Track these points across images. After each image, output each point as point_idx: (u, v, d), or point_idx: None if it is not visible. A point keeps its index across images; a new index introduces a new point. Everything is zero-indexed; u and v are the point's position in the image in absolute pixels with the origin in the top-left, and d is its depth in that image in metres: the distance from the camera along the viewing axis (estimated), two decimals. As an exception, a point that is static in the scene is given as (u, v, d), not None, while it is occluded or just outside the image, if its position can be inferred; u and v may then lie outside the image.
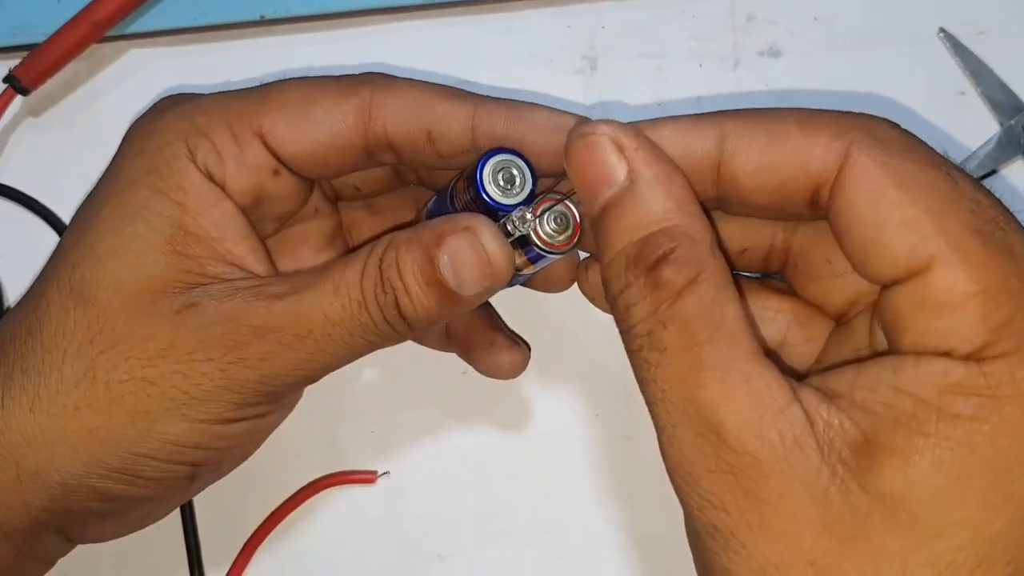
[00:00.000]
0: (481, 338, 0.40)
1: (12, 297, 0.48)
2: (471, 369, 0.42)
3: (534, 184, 0.34)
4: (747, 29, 0.49)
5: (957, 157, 0.47)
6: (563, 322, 0.42)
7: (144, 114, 0.37)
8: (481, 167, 0.34)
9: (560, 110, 0.35)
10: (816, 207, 0.29)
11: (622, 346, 0.45)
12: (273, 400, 0.35)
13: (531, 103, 0.35)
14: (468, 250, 0.32)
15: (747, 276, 0.37)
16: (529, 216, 0.33)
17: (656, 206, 0.28)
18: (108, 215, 0.34)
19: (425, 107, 0.35)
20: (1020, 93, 0.48)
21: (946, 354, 0.25)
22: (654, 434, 0.44)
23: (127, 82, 0.50)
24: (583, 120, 0.34)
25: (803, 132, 0.28)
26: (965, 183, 0.27)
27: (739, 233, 0.34)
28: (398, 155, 0.36)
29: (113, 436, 0.33)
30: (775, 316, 0.35)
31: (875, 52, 0.49)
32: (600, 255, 0.30)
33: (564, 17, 0.50)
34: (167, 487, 0.35)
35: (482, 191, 0.34)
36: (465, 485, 0.46)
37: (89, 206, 0.36)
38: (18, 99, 0.47)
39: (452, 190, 0.36)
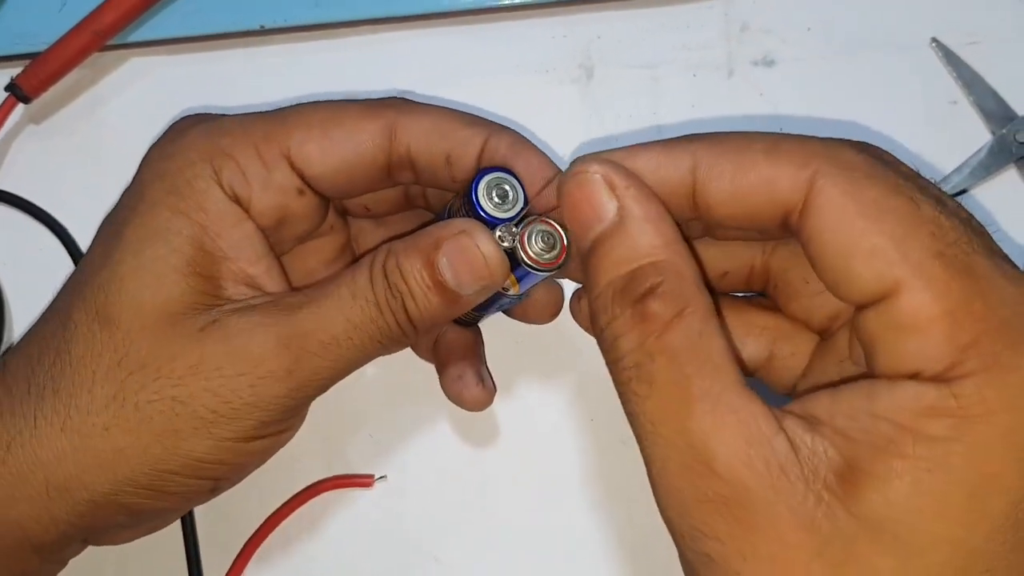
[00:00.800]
0: (454, 367, 0.41)
1: (14, 303, 0.48)
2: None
3: (525, 200, 0.36)
4: (741, 38, 0.50)
5: (949, 166, 0.48)
6: (559, 327, 0.43)
7: (165, 134, 0.37)
8: (477, 182, 0.35)
9: (547, 159, 0.37)
10: (787, 230, 0.30)
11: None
12: (293, 415, 0.36)
13: (530, 144, 0.37)
14: (464, 251, 0.34)
15: (734, 296, 0.38)
16: (516, 230, 0.35)
17: (644, 241, 0.29)
18: (130, 236, 0.35)
19: (446, 131, 0.36)
20: (1012, 102, 0.48)
21: (915, 375, 0.26)
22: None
23: (128, 90, 0.50)
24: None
25: (768, 161, 0.29)
26: (928, 206, 0.27)
27: (720, 257, 0.35)
28: (416, 175, 0.37)
29: (141, 455, 0.34)
30: (761, 332, 0.36)
31: (868, 61, 0.49)
32: (588, 288, 0.30)
33: (560, 27, 0.50)
34: (189, 499, 0.36)
35: (476, 204, 0.35)
36: (462, 489, 0.46)
37: (111, 227, 0.36)
38: (20, 107, 0.48)
39: (449, 210, 0.38)
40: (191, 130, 0.37)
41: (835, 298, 0.30)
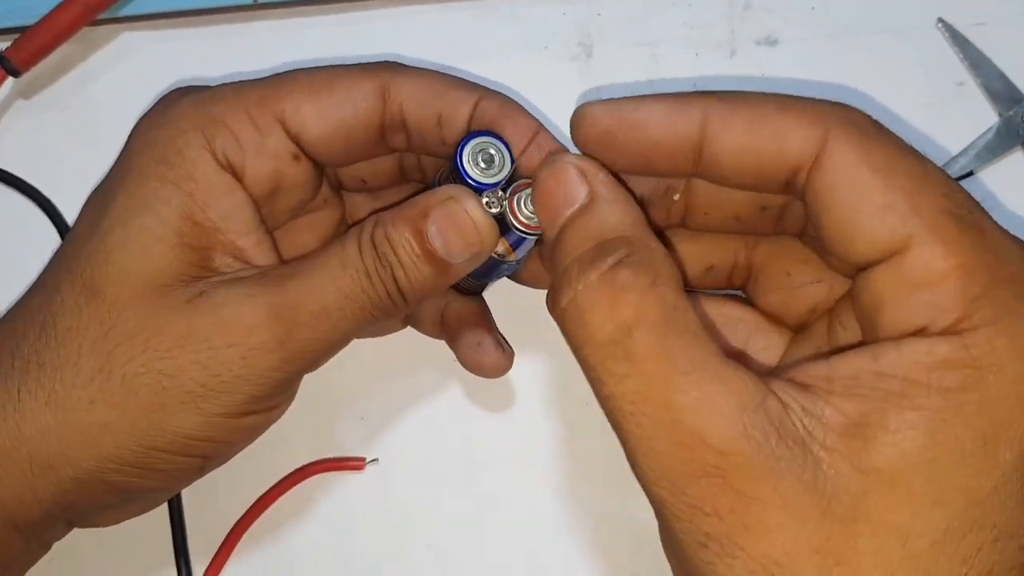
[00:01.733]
0: (471, 334, 0.41)
1: (1, 279, 0.47)
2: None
3: (513, 164, 0.35)
4: (744, 17, 0.49)
5: (956, 148, 0.47)
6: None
7: (155, 105, 0.37)
8: (462, 147, 0.35)
9: (535, 121, 0.36)
10: (791, 188, 0.30)
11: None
12: (284, 390, 0.35)
13: (520, 106, 0.37)
14: (453, 218, 0.33)
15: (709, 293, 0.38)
16: (504, 195, 0.34)
17: (613, 219, 0.30)
18: (117, 207, 0.34)
19: (437, 92, 0.36)
20: (1019, 84, 0.47)
21: (922, 330, 0.26)
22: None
23: (119, 65, 0.50)
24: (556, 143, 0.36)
25: (783, 117, 0.29)
26: (935, 170, 0.28)
27: (705, 251, 0.36)
28: (409, 139, 0.37)
29: (127, 430, 0.33)
30: (736, 324, 0.36)
31: (873, 42, 0.49)
32: (553, 270, 0.30)
33: (559, 4, 0.49)
34: (177, 478, 0.36)
35: (462, 169, 0.35)
36: (454, 473, 0.45)
37: (99, 198, 0.36)
38: (9, 80, 0.47)
39: (439, 179, 0.37)
40: (182, 100, 0.36)
41: (814, 291, 0.32)
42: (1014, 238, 0.28)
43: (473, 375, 0.41)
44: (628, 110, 0.31)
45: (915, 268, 0.26)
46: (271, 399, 0.35)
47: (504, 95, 0.37)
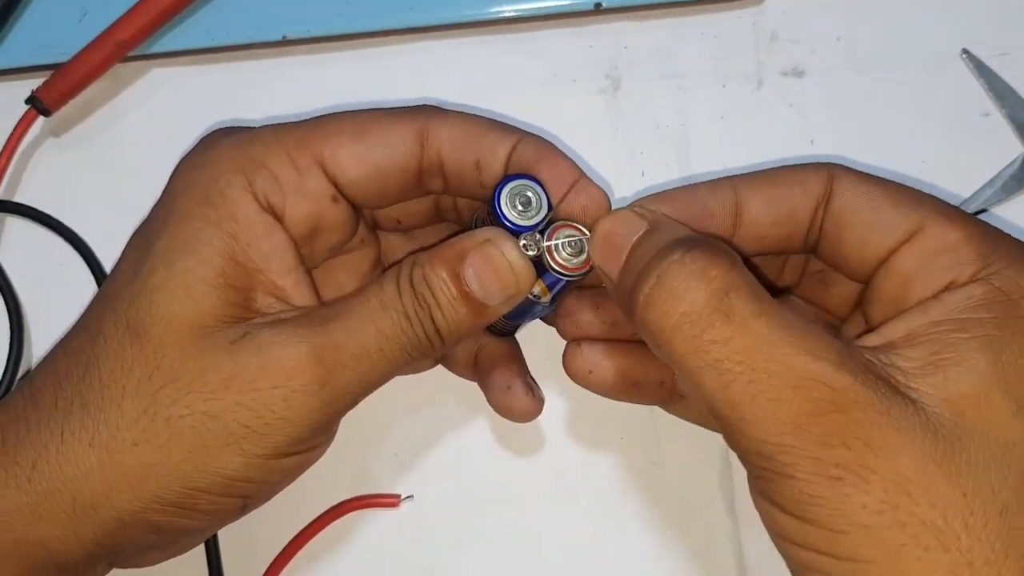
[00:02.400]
0: (501, 378, 0.41)
1: (33, 318, 0.48)
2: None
3: (549, 207, 0.36)
4: (770, 48, 0.49)
5: (981, 179, 0.48)
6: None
7: (195, 146, 0.37)
8: (500, 189, 0.35)
9: (574, 165, 0.37)
10: (810, 233, 0.35)
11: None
12: (324, 431, 0.36)
13: (557, 149, 0.37)
14: (490, 261, 0.34)
15: None
16: (540, 238, 0.35)
17: (681, 229, 0.33)
18: (160, 248, 0.34)
19: (475, 136, 0.36)
20: (1045, 114, 0.47)
21: (951, 284, 0.31)
22: (680, 459, 0.45)
23: (149, 101, 0.50)
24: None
25: (794, 171, 0.35)
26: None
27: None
28: (446, 182, 0.37)
29: (170, 472, 0.33)
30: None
31: (898, 72, 0.49)
32: (628, 278, 0.32)
33: (586, 38, 0.50)
34: (219, 518, 0.36)
35: (499, 212, 0.35)
36: (489, 510, 0.46)
37: (141, 239, 0.36)
38: (40, 119, 0.47)
39: (476, 221, 0.38)
40: (223, 141, 0.36)
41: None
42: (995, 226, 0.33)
43: None
44: (679, 192, 0.35)
45: (933, 240, 0.32)
46: (311, 440, 0.35)
47: (541, 138, 0.37)
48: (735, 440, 0.30)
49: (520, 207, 0.35)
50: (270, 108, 0.48)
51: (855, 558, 0.27)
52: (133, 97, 0.50)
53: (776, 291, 0.39)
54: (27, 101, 0.47)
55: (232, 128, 0.38)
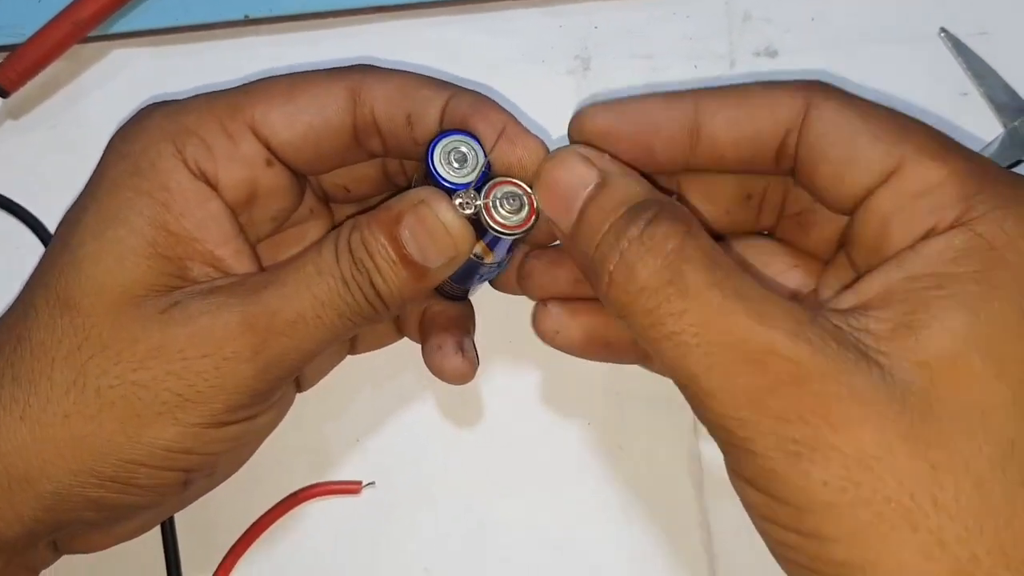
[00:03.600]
0: (434, 337, 0.40)
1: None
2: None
3: (486, 163, 0.34)
4: (743, 29, 0.48)
5: (959, 159, 0.46)
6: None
7: (128, 120, 0.37)
8: (433, 146, 0.34)
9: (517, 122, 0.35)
10: (782, 159, 0.32)
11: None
12: (263, 400, 0.35)
13: (493, 102, 0.36)
14: (425, 223, 0.33)
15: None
16: (477, 195, 0.34)
17: (633, 188, 0.31)
18: (90, 220, 0.34)
19: (408, 91, 0.35)
20: (1024, 94, 0.47)
21: (932, 230, 0.28)
22: (647, 443, 0.44)
23: (110, 83, 0.49)
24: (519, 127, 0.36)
25: (769, 91, 0.32)
26: (914, 118, 0.31)
27: (737, 183, 0.36)
28: (384, 143, 0.36)
29: (103, 443, 0.33)
30: (768, 262, 0.37)
31: (874, 52, 0.48)
32: (583, 242, 0.31)
33: (556, 17, 0.49)
34: (160, 494, 0.35)
35: (432, 169, 0.34)
36: (452, 496, 0.45)
37: (73, 212, 0.36)
38: (-2, 101, 0.47)
39: (412, 183, 0.37)
40: (154, 112, 0.36)
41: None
42: (984, 157, 0.31)
43: (475, 394, 0.42)
44: (628, 104, 0.33)
45: (913, 180, 0.29)
46: (249, 408, 0.35)
47: (476, 92, 0.36)
48: (698, 412, 0.29)
49: (455, 164, 0.34)
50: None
51: (820, 536, 0.27)
52: (93, 78, 0.49)
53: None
54: (-17, 82, 0.46)
55: (165, 101, 0.37)
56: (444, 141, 0.34)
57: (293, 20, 0.48)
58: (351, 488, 0.44)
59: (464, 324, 0.41)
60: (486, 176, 0.34)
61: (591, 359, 0.38)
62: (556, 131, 0.47)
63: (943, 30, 0.48)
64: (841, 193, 0.31)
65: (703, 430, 0.43)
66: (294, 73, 0.36)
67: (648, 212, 0.30)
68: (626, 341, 0.38)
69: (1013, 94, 0.46)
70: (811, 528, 0.27)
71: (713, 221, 0.36)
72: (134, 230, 0.33)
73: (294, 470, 0.45)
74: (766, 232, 0.38)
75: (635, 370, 0.44)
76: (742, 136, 0.32)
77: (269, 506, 0.44)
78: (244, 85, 0.36)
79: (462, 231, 0.33)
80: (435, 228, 0.33)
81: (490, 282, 0.40)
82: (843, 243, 0.33)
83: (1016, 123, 0.46)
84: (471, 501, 0.45)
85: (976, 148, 0.46)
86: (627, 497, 0.44)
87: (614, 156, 0.33)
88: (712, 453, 0.44)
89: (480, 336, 0.42)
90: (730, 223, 0.37)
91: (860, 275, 0.31)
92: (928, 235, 0.29)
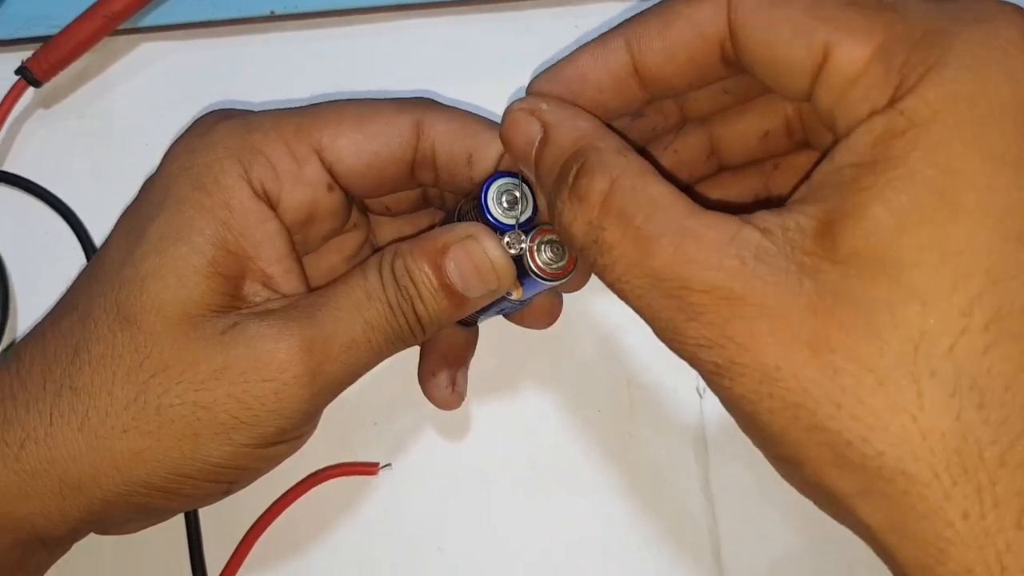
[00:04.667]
0: (432, 362, 0.42)
1: (19, 286, 0.48)
2: (476, 364, 0.43)
3: (535, 207, 0.36)
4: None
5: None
6: (566, 318, 0.42)
7: (189, 129, 0.37)
8: (488, 184, 0.35)
9: None
10: (730, 65, 0.31)
11: (623, 342, 0.45)
12: (311, 420, 0.36)
13: None
14: (472, 256, 0.34)
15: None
16: (524, 238, 0.35)
17: (566, 139, 0.31)
18: (152, 234, 0.34)
19: (470, 131, 0.37)
20: None
21: (868, 117, 0.26)
22: (656, 431, 0.45)
23: (138, 75, 0.50)
24: None
25: (688, 6, 0.31)
26: None
27: (755, 119, 0.35)
28: (437, 175, 0.37)
29: (159, 458, 0.33)
30: None
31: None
32: (547, 200, 0.32)
33: (571, 17, 0.50)
34: (202, 501, 0.37)
35: (485, 208, 0.35)
36: (466, 478, 0.46)
37: (133, 222, 0.36)
38: (30, 91, 0.48)
39: (458, 212, 0.38)
40: (219, 125, 0.36)
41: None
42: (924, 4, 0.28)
43: (488, 380, 0.43)
44: (563, 67, 0.33)
45: (840, 70, 0.27)
46: (298, 430, 0.36)
47: None
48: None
49: (506, 205, 0.35)
50: (256, 84, 0.49)
51: (761, 441, 0.28)
52: (122, 70, 0.50)
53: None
54: (17, 72, 0.47)
55: (228, 111, 0.37)
56: (499, 182, 0.36)
57: (318, 16, 0.50)
58: (369, 469, 0.46)
59: (463, 355, 0.43)
60: (532, 220, 0.36)
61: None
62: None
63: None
64: (789, 92, 0.29)
65: (709, 417, 0.45)
66: (362, 100, 0.37)
67: (572, 169, 0.30)
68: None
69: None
70: (752, 435, 0.28)
71: (746, 149, 0.36)
72: (196, 249, 0.34)
73: (314, 451, 0.45)
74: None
75: (644, 360, 0.45)
76: (680, 64, 0.31)
77: (289, 486, 0.45)
78: (311, 106, 0.37)
79: (505, 267, 0.35)
80: (482, 262, 0.34)
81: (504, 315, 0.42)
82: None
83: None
84: (484, 484, 0.46)
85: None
86: (635, 483, 0.45)
87: (554, 99, 0.33)
88: (718, 439, 0.45)
89: (495, 324, 0.43)
90: (766, 150, 0.36)
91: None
92: (863, 122, 0.27)
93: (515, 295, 0.37)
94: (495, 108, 0.48)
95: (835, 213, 0.26)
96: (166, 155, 0.36)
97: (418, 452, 0.46)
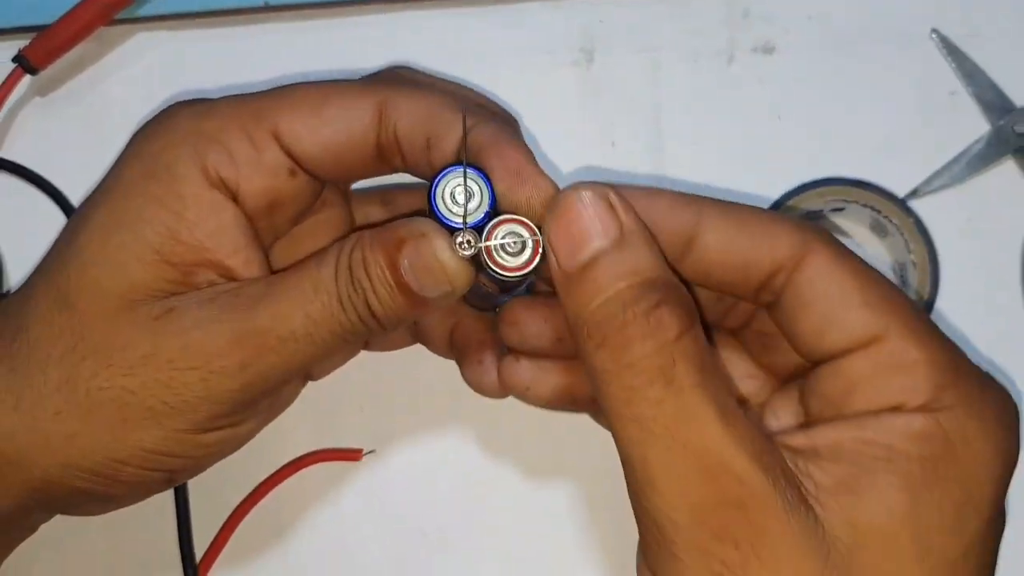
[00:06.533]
0: (474, 353, 0.40)
1: (13, 273, 0.49)
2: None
3: (492, 204, 0.33)
4: (742, 25, 0.50)
5: (947, 156, 0.48)
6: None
7: (154, 116, 0.37)
8: (437, 181, 0.33)
9: (530, 157, 0.34)
10: (763, 292, 0.32)
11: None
12: (248, 408, 0.36)
13: (513, 136, 0.35)
14: (423, 258, 0.32)
15: None
16: (472, 239, 0.32)
17: (649, 260, 0.30)
18: (98, 221, 0.35)
19: (432, 114, 0.35)
20: (1011, 94, 0.48)
21: (897, 407, 0.29)
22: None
23: (133, 65, 0.51)
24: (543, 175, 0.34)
25: (771, 223, 0.32)
26: (901, 290, 0.32)
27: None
28: (405, 161, 0.36)
29: (91, 442, 0.34)
30: (744, 379, 0.36)
31: (868, 51, 0.49)
32: (582, 300, 0.30)
33: (563, 10, 0.50)
34: (144, 490, 0.36)
35: (433, 205, 0.33)
36: (450, 464, 0.47)
37: (86, 208, 0.36)
38: (27, 78, 0.48)
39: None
40: (178, 113, 0.36)
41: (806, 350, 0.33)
42: (959, 348, 0.31)
43: None
44: (635, 196, 0.31)
45: (892, 355, 0.29)
46: (233, 416, 0.35)
47: (502, 122, 0.35)
48: (636, 497, 0.29)
49: (458, 201, 0.33)
50: (251, 74, 0.49)
51: None
52: (118, 59, 0.51)
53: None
54: (14, 59, 0.48)
55: (192, 100, 0.37)
56: (451, 175, 0.33)
57: (310, 8, 0.50)
58: (352, 455, 0.46)
59: (499, 338, 0.40)
60: (489, 216, 0.33)
61: (550, 409, 0.38)
62: (559, 120, 0.49)
63: (935, 31, 0.49)
64: (816, 346, 0.31)
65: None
66: (322, 83, 0.36)
67: (658, 293, 0.29)
68: (588, 396, 0.37)
69: (1000, 94, 0.48)
70: None
71: None
72: (140, 237, 0.34)
73: (298, 436, 0.46)
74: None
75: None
76: (733, 261, 0.32)
77: (274, 469, 0.46)
78: (271, 90, 0.36)
79: (458, 271, 0.33)
80: (432, 264, 0.32)
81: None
82: (801, 387, 0.33)
83: (1002, 122, 0.48)
84: (467, 469, 0.46)
85: (963, 145, 0.48)
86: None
87: (633, 208, 0.31)
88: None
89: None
90: None
91: (813, 420, 0.31)
92: (894, 410, 0.29)
93: (492, 290, 0.36)
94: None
95: (861, 481, 0.28)
96: (127, 142, 0.36)
97: (403, 438, 0.47)
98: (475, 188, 0.33)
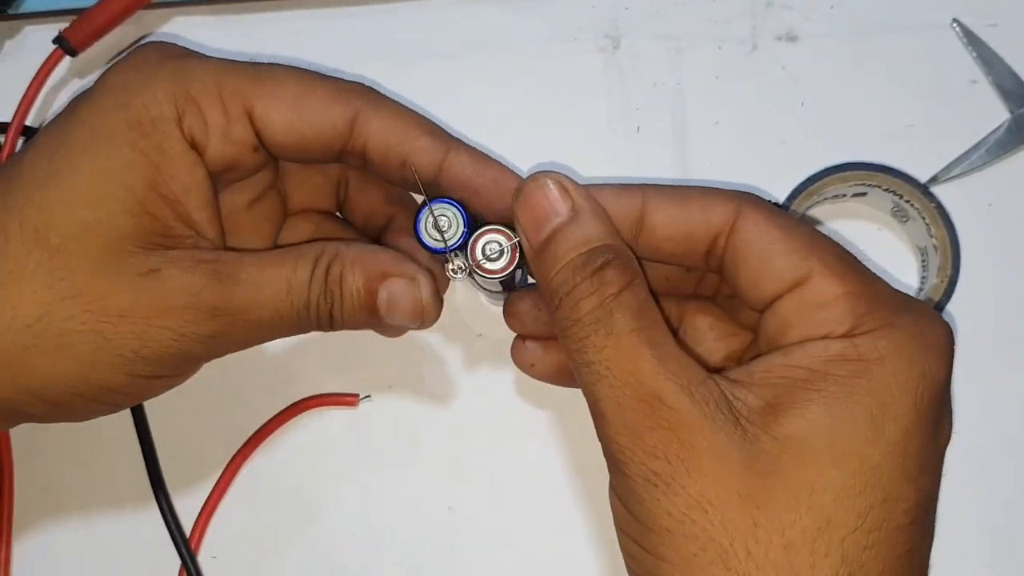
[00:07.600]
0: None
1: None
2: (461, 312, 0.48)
3: (466, 227, 0.38)
4: (765, 14, 0.51)
5: (967, 144, 0.49)
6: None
7: (130, 61, 0.37)
8: (420, 218, 0.38)
9: (510, 170, 0.39)
10: (710, 257, 0.36)
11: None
12: (200, 365, 0.39)
13: (491, 160, 0.39)
14: (409, 297, 0.38)
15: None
16: (462, 264, 0.38)
17: (596, 229, 0.35)
18: (86, 165, 0.35)
19: (406, 138, 0.38)
20: (1030, 82, 0.49)
21: (824, 337, 0.33)
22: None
23: (170, 48, 0.52)
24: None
25: (706, 196, 0.36)
26: (823, 233, 0.35)
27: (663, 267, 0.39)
28: (366, 165, 0.39)
29: (55, 378, 0.35)
30: (725, 338, 0.40)
31: (890, 40, 0.50)
32: (545, 269, 0.35)
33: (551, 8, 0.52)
34: (87, 416, 0.38)
35: (421, 240, 0.38)
36: (444, 412, 0.49)
37: (63, 147, 0.36)
38: (66, 60, 0.50)
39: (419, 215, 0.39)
40: (162, 66, 0.37)
41: (730, 340, 0.39)
42: (882, 280, 0.35)
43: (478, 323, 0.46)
44: (583, 187, 0.36)
45: (815, 294, 0.33)
46: (192, 369, 0.39)
47: (472, 148, 0.39)
48: (597, 430, 0.33)
49: (438, 228, 0.38)
50: (287, 59, 0.50)
51: (656, 554, 0.31)
52: (155, 42, 0.52)
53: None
54: (54, 41, 0.49)
55: (169, 47, 0.38)
56: (426, 211, 0.38)
57: (345, -6, 0.51)
58: (349, 400, 0.48)
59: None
60: (467, 234, 0.38)
61: (561, 386, 0.41)
62: (584, 105, 0.50)
63: (956, 21, 0.50)
64: (755, 295, 0.35)
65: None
66: (305, 75, 0.38)
67: (603, 257, 0.33)
68: None
69: (1020, 82, 0.49)
70: (651, 546, 0.32)
71: (651, 281, 0.38)
72: (127, 187, 0.35)
73: (296, 383, 0.48)
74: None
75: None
76: (677, 233, 0.36)
77: (271, 415, 0.48)
78: (255, 68, 0.38)
79: (432, 310, 0.39)
80: (415, 303, 0.38)
81: None
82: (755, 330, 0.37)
83: (1022, 110, 0.49)
84: (459, 419, 0.49)
85: (983, 134, 0.49)
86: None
87: (585, 188, 0.36)
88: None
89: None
90: (668, 287, 0.40)
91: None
92: (819, 340, 0.33)
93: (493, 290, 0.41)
94: (479, 91, 0.51)
95: (782, 400, 0.32)
96: (101, 83, 0.37)
97: (399, 386, 0.49)
98: (450, 214, 0.38)
